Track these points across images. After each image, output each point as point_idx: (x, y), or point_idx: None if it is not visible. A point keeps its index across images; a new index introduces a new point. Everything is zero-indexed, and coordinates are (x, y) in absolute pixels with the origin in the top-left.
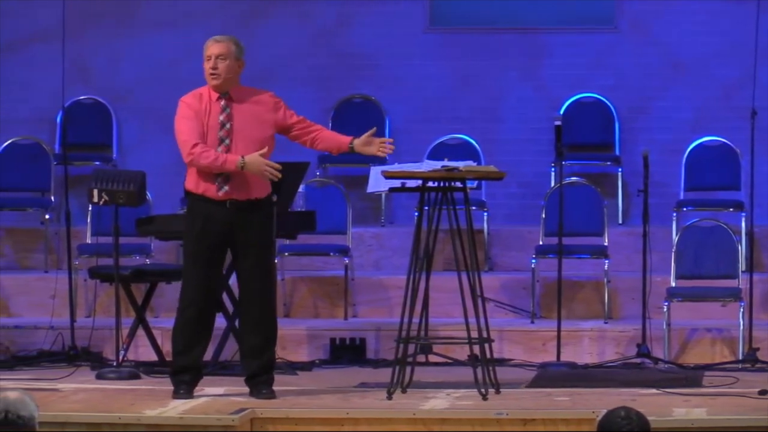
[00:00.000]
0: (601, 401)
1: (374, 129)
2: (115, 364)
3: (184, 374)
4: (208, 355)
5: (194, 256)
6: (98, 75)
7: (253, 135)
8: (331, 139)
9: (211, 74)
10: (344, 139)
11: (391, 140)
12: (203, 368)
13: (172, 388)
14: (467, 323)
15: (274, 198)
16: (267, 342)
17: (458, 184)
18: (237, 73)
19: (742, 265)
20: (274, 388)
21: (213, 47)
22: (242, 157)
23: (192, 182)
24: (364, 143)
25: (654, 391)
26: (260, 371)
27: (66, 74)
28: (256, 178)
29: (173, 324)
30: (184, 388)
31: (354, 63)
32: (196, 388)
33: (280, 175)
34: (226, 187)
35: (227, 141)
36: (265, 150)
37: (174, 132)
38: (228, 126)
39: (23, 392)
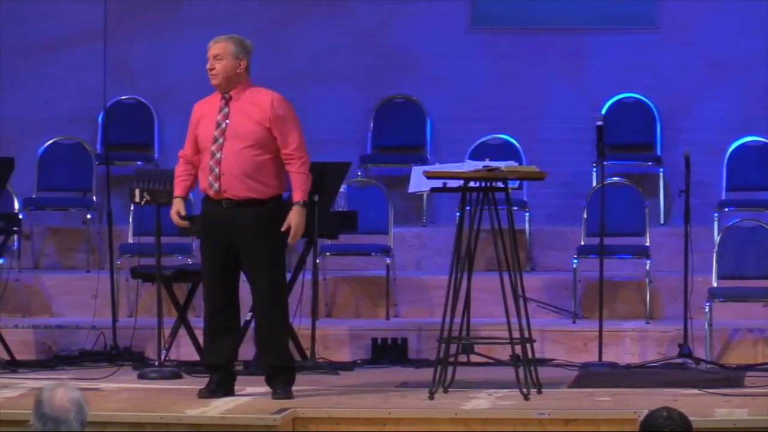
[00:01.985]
0: (642, 401)
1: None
2: (156, 363)
3: (212, 373)
4: (249, 355)
5: (203, 255)
6: (140, 75)
7: (243, 134)
8: (291, 184)
9: (211, 75)
10: (293, 195)
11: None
12: (228, 368)
13: None
14: (509, 323)
15: (316, 198)
16: (272, 343)
17: (500, 184)
18: (237, 71)
19: None
20: (315, 387)
21: (211, 48)
22: (176, 197)
23: (200, 182)
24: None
25: (696, 391)
26: (272, 371)
27: (108, 74)
28: (251, 178)
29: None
30: (207, 387)
31: (396, 63)
32: (235, 387)
33: (183, 224)
34: (216, 185)
35: (221, 140)
36: (176, 217)
37: None
38: (223, 125)
39: (71, 402)
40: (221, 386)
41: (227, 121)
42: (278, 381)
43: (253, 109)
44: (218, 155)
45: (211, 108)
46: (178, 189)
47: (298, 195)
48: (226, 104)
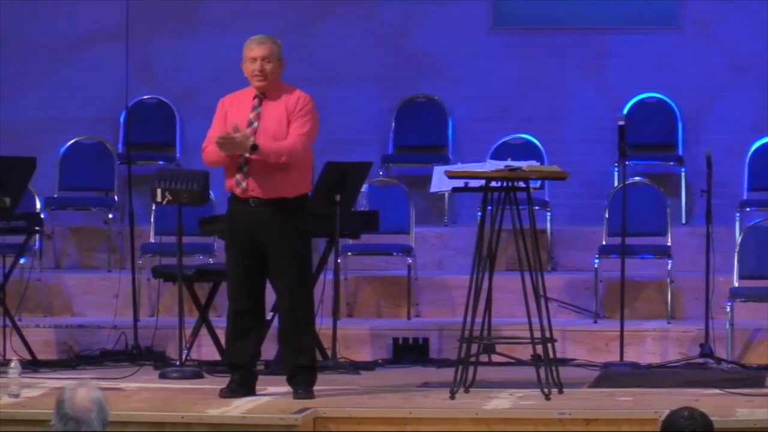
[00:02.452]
0: (664, 401)
1: None
2: (178, 363)
3: (234, 373)
4: (270, 354)
5: (229, 255)
6: (162, 75)
7: (274, 133)
8: None
9: (257, 76)
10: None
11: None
12: (249, 367)
13: None
14: (530, 323)
15: (338, 198)
16: (295, 342)
17: (521, 184)
18: (280, 72)
19: None
20: (336, 387)
21: (257, 49)
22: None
23: (226, 180)
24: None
25: (717, 391)
26: (294, 371)
27: (130, 74)
28: (279, 176)
29: (226, 327)
30: (228, 387)
31: (418, 63)
32: (257, 387)
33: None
34: (244, 184)
35: (252, 138)
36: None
37: None
38: (255, 124)
39: (92, 402)
40: (242, 386)
41: (259, 120)
42: (299, 381)
43: (283, 109)
44: (246, 155)
45: (240, 105)
46: (211, 147)
47: (264, 142)
48: (260, 103)
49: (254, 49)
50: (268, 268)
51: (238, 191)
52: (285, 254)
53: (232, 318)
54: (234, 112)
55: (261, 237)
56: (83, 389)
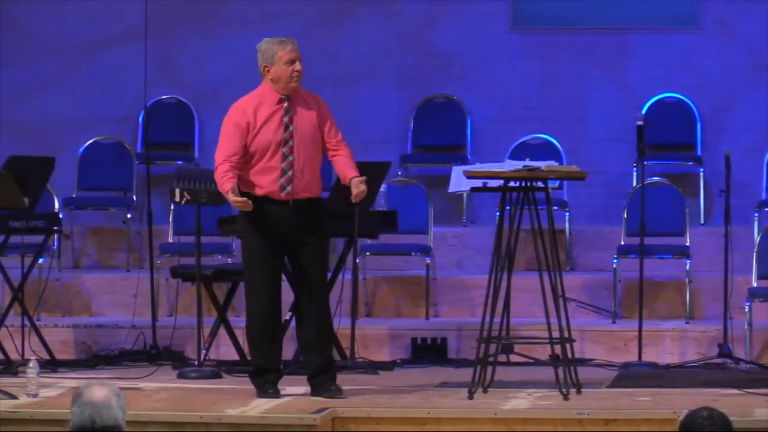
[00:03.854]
0: (682, 401)
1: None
2: (196, 363)
3: (269, 374)
4: (288, 355)
5: (258, 256)
6: (182, 75)
7: (310, 136)
8: (341, 167)
9: (296, 78)
10: (350, 174)
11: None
12: (281, 369)
13: (253, 387)
14: (549, 323)
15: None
16: (327, 338)
17: (540, 184)
18: None
19: None
20: (357, 387)
21: (294, 51)
22: (229, 191)
23: (251, 185)
24: (354, 184)
25: (735, 391)
26: (326, 367)
27: (150, 74)
28: (315, 177)
29: (247, 326)
30: (272, 387)
31: (438, 63)
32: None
33: (246, 207)
34: (289, 188)
35: (290, 142)
36: (234, 197)
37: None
38: (291, 128)
39: (111, 391)
40: (276, 386)
41: (293, 124)
42: (329, 378)
43: (310, 111)
44: (290, 158)
45: (265, 110)
46: (230, 183)
47: (355, 172)
48: (290, 107)
49: (293, 51)
50: (295, 268)
51: (281, 195)
52: (320, 254)
53: (261, 320)
54: (262, 119)
55: (297, 238)
56: (98, 384)
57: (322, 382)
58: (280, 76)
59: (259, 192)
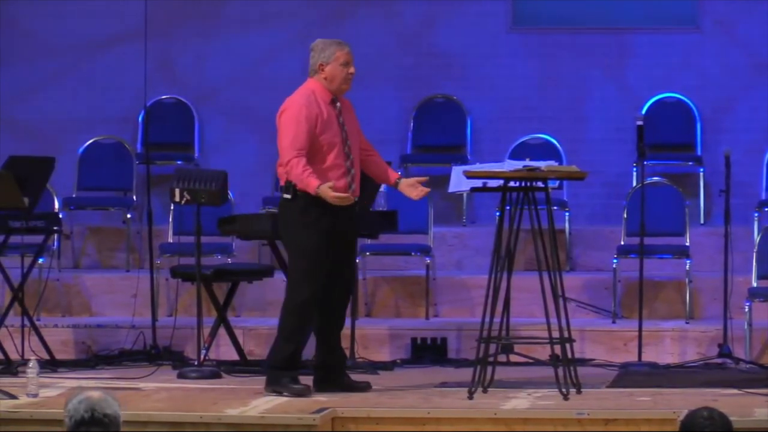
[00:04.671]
0: (682, 401)
1: (426, 178)
2: (196, 363)
3: (297, 369)
4: None
5: (318, 248)
6: (182, 74)
7: (357, 137)
8: (381, 167)
9: (350, 80)
10: (393, 174)
11: (425, 179)
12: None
13: (255, 386)
14: (548, 323)
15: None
16: (339, 337)
17: (540, 184)
18: None
19: None
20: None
21: (351, 54)
22: (317, 186)
23: (321, 180)
24: (410, 184)
25: (735, 391)
26: (344, 361)
27: (150, 74)
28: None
29: (284, 316)
30: (296, 381)
31: (437, 63)
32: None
33: (349, 201)
34: (354, 186)
35: (348, 142)
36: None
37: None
38: (345, 128)
39: (105, 392)
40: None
41: (345, 124)
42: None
43: (352, 113)
44: (351, 157)
45: (322, 109)
46: (317, 179)
47: (395, 172)
48: (340, 108)
49: (350, 54)
50: (338, 260)
51: (345, 191)
52: (355, 251)
53: (305, 311)
54: (324, 117)
55: (348, 234)
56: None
57: (349, 379)
58: (335, 76)
59: (318, 188)
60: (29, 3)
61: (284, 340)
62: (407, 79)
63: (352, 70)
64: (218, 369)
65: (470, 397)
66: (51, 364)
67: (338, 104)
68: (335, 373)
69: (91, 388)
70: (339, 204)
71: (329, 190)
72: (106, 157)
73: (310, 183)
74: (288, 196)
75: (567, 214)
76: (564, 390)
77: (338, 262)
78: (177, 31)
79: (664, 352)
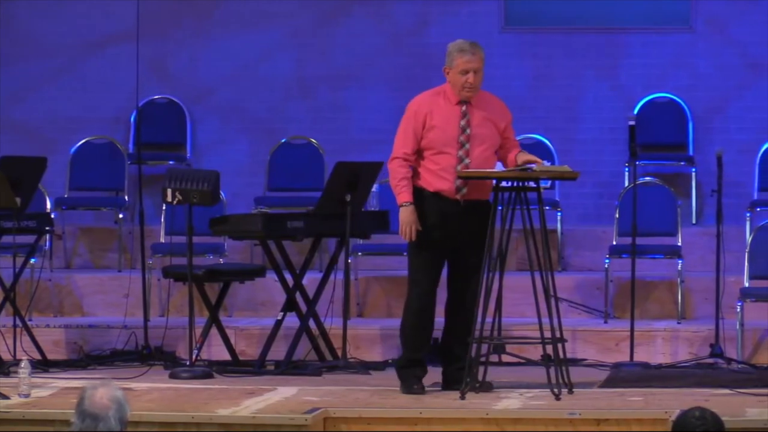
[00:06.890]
0: (674, 401)
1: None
2: (188, 363)
3: (417, 368)
4: (280, 355)
5: (428, 249)
6: (175, 75)
7: (487, 138)
8: (508, 155)
9: (469, 89)
10: (512, 157)
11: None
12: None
13: (247, 386)
14: (540, 323)
15: (348, 198)
16: (466, 338)
17: (532, 184)
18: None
19: None
20: (346, 387)
21: (474, 61)
22: (405, 203)
23: (425, 181)
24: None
25: (727, 391)
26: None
27: (143, 74)
28: (487, 181)
29: (404, 318)
30: (417, 382)
31: (430, 63)
32: (267, 387)
33: (411, 238)
34: (465, 189)
35: (467, 145)
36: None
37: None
38: (468, 131)
39: (111, 400)
40: (421, 382)
41: (470, 127)
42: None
43: (492, 114)
44: (467, 160)
45: (443, 111)
46: (407, 194)
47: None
48: (468, 110)
49: (472, 61)
50: (456, 269)
51: (456, 195)
52: (478, 254)
53: (421, 313)
54: (438, 118)
55: (464, 235)
56: (103, 388)
57: (456, 380)
58: (454, 83)
59: (432, 188)
60: (21, 4)
61: (403, 341)
62: (401, 80)
63: (470, 78)
64: (210, 369)
65: (462, 398)
66: (43, 364)
67: (464, 107)
68: (453, 373)
69: (104, 386)
70: (405, 237)
71: (408, 213)
72: (98, 157)
73: (400, 195)
74: None
75: (559, 214)
76: (556, 390)
77: (464, 270)
78: (170, 31)
79: (655, 352)
